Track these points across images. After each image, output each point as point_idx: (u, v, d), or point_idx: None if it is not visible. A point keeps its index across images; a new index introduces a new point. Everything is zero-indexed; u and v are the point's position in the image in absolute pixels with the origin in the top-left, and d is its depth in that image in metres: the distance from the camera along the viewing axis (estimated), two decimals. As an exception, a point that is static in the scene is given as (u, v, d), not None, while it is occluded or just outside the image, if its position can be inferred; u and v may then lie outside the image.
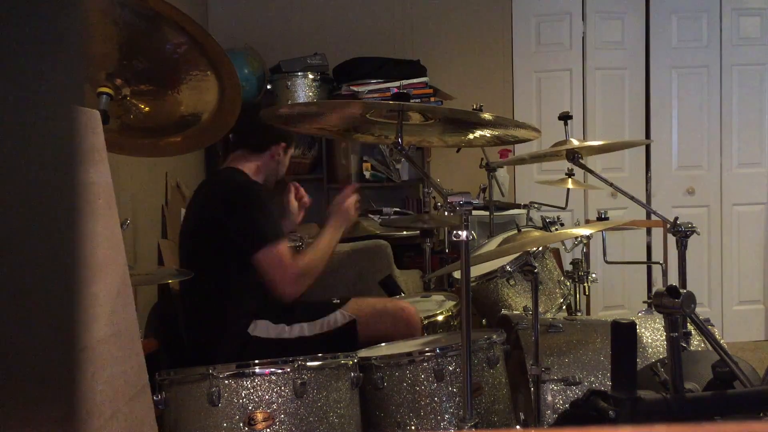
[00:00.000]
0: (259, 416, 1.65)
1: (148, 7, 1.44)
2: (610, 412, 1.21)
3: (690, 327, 2.09)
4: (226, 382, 1.66)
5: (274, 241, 2.18)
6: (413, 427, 1.82)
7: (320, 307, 2.31)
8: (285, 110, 2.38)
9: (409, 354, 1.87)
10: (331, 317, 2.25)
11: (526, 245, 2.19)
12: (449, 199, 1.51)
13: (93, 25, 1.42)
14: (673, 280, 1.97)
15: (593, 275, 3.02)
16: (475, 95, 4.20)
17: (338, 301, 2.33)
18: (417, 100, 4.19)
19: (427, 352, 1.86)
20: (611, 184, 2.33)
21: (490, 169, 3.43)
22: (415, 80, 4.32)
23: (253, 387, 1.67)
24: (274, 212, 2.29)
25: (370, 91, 4.23)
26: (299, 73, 4.26)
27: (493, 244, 2.84)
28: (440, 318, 2.45)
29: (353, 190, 2.43)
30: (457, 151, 3.57)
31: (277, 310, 2.25)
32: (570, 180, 3.15)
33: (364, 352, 1.99)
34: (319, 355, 1.78)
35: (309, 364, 1.71)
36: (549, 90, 4.83)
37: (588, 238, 3.01)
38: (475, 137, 2.05)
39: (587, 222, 4.44)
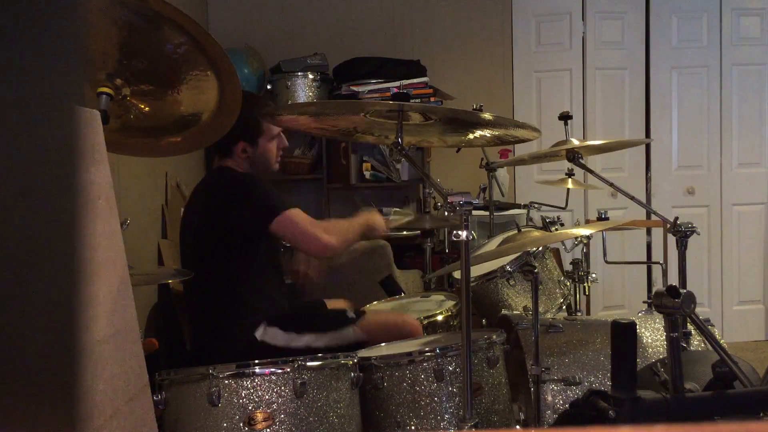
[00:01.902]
0: (259, 416, 1.65)
1: (148, 7, 1.44)
2: (610, 412, 1.21)
3: (690, 327, 2.09)
4: (226, 382, 1.66)
5: (283, 208, 2.20)
6: (413, 427, 1.82)
7: (334, 318, 2.30)
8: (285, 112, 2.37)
9: (409, 354, 1.87)
10: (343, 333, 2.23)
11: (526, 245, 2.19)
12: (449, 199, 1.50)
13: (93, 25, 1.42)
14: (673, 280, 1.97)
15: (593, 275, 3.01)
16: (475, 95, 4.20)
17: (353, 315, 2.29)
18: (417, 100, 4.19)
19: (427, 352, 1.86)
20: (611, 184, 2.33)
21: (490, 169, 3.43)
22: (415, 80, 4.32)
23: (253, 387, 1.67)
24: (274, 189, 2.29)
25: (370, 91, 4.23)
26: (299, 73, 4.26)
27: (493, 244, 2.84)
28: (440, 318, 2.45)
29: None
30: (457, 151, 3.57)
31: (289, 317, 2.24)
32: (570, 180, 3.15)
33: (364, 352, 1.99)
34: (319, 355, 1.78)
35: (309, 364, 1.71)
36: (549, 90, 4.83)
37: (588, 238, 3.01)
38: (475, 137, 2.05)
39: (587, 222, 4.44)
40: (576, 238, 2.99)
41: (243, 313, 2.21)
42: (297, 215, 2.21)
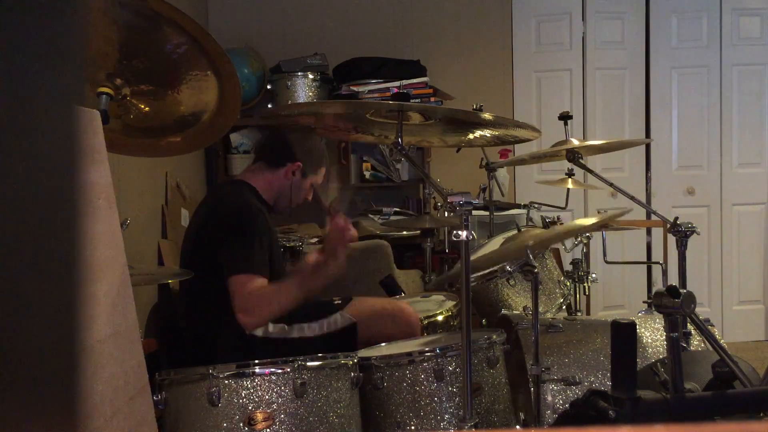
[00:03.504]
0: (259, 416, 1.65)
1: (148, 7, 1.44)
2: (610, 412, 1.21)
3: (690, 327, 2.09)
4: (226, 382, 1.66)
5: (249, 271, 2.10)
6: (413, 427, 1.82)
7: (321, 307, 2.30)
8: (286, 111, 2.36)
9: (409, 354, 1.87)
10: (332, 319, 2.24)
11: (528, 242, 2.18)
12: (449, 199, 1.51)
13: (93, 25, 1.42)
14: (673, 280, 1.97)
15: (593, 275, 3.01)
16: (475, 95, 4.19)
17: (340, 301, 2.31)
18: (417, 100, 4.19)
19: (427, 352, 1.86)
20: (611, 184, 2.33)
21: (490, 169, 3.43)
22: (415, 80, 4.32)
23: (253, 387, 1.67)
24: (264, 242, 2.19)
25: (370, 91, 4.23)
26: (299, 73, 4.25)
27: (493, 244, 2.84)
28: (440, 318, 2.45)
29: (343, 222, 2.06)
30: (457, 151, 3.56)
31: None
32: (570, 180, 3.16)
33: (364, 352, 1.99)
34: (319, 355, 1.78)
35: (309, 364, 1.71)
36: (549, 90, 4.83)
37: (588, 238, 3.01)
38: (475, 137, 2.06)
39: (587, 222, 4.44)
40: (576, 238, 2.99)
41: (233, 318, 2.18)
42: (248, 282, 2.08)
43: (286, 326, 2.21)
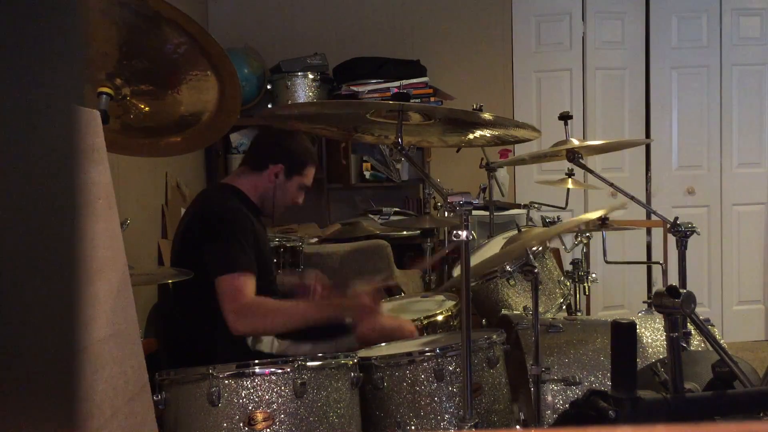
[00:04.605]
0: (259, 416, 1.65)
1: (148, 7, 1.44)
2: (610, 412, 1.21)
3: (690, 327, 2.09)
4: (226, 382, 1.66)
5: (237, 270, 2.07)
6: (413, 427, 1.82)
7: (333, 326, 2.24)
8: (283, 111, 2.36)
9: (409, 354, 1.88)
10: (340, 343, 2.20)
11: (529, 242, 2.18)
12: (449, 199, 1.51)
13: (93, 25, 1.42)
14: (673, 280, 1.97)
15: (593, 275, 3.02)
16: (475, 95, 4.19)
17: (350, 321, 2.24)
18: (417, 100, 4.19)
19: (427, 352, 1.86)
20: (611, 184, 2.33)
21: (490, 169, 3.43)
22: (415, 80, 4.32)
23: (253, 387, 1.67)
24: (248, 242, 2.17)
25: (370, 91, 4.23)
26: (299, 73, 4.25)
27: (493, 244, 2.84)
28: (440, 318, 2.45)
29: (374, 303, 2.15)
30: (457, 151, 3.57)
31: None
32: (570, 180, 3.16)
33: (364, 352, 1.99)
34: (319, 355, 1.78)
35: (309, 364, 1.71)
36: (549, 90, 4.83)
37: (588, 237, 3.01)
38: (475, 137, 2.06)
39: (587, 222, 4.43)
40: (576, 237, 2.99)
41: (222, 321, 2.15)
42: (242, 283, 2.07)
43: (291, 344, 2.17)
